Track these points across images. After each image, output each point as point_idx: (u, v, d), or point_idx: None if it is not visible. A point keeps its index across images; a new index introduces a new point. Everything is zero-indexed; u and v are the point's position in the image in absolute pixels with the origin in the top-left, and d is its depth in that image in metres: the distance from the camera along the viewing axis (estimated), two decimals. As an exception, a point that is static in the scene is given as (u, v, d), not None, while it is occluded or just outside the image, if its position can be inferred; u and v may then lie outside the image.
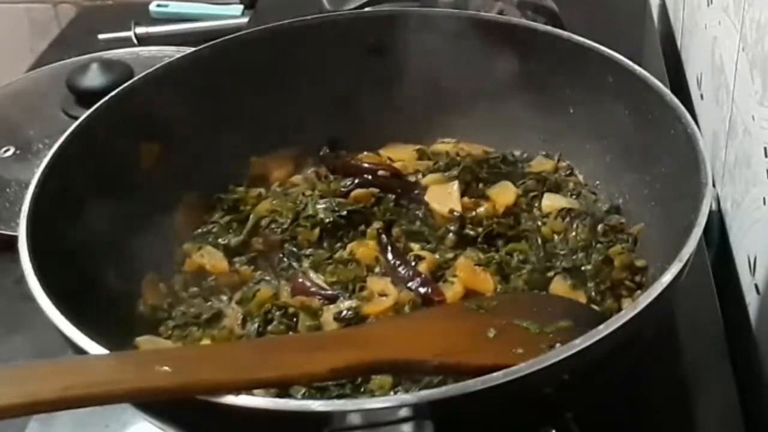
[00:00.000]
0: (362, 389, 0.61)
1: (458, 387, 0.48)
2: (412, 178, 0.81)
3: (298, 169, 0.84)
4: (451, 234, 0.75)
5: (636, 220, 0.75)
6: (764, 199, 0.74)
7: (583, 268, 0.71)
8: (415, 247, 0.74)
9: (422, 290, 0.69)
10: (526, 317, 0.61)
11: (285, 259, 0.74)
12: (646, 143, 0.72)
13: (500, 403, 0.49)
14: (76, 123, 0.70)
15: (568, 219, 0.76)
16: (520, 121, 0.83)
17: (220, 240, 0.76)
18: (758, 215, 0.76)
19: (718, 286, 0.80)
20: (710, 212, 0.58)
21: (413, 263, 0.72)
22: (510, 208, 0.77)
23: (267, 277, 0.73)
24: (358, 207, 0.77)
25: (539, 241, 0.73)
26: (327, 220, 0.75)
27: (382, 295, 0.69)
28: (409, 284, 0.69)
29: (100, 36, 1.28)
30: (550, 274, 0.70)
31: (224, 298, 0.72)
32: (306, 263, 0.73)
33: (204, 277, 0.73)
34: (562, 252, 0.73)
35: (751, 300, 0.77)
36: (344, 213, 0.76)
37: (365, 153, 0.85)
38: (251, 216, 0.77)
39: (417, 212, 0.77)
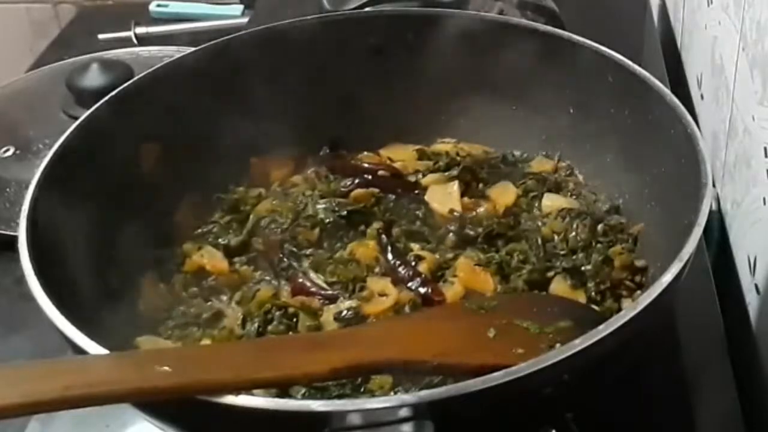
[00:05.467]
0: (362, 389, 0.61)
1: (458, 387, 0.48)
2: (412, 178, 0.81)
3: (298, 169, 0.84)
4: (451, 234, 0.75)
5: (636, 220, 0.75)
6: (764, 199, 0.74)
7: (583, 268, 0.71)
8: (415, 247, 0.74)
9: (422, 290, 0.69)
10: (526, 317, 0.61)
11: (285, 259, 0.74)
12: (646, 143, 0.72)
13: (500, 403, 0.49)
14: (76, 123, 0.70)
15: (568, 219, 0.76)
16: (520, 121, 0.84)
17: (220, 240, 0.76)
18: (758, 215, 0.76)
19: (718, 286, 0.80)
20: (710, 212, 0.58)
21: (413, 263, 0.72)
22: (510, 208, 0.77)
23: (267, 277, 0.73)
24: (358, 207, 0.77)
25: (539, 241, 0.73)
26: (327, 220, 0.75)
27: (382, 295, 0.69)
28: (409, 284, 0.69)
29: (100, 36, 1.28)
30: (550, 274, 0.70)
31: (224, 298, 0.72)
32: (306, 263, 0.73)
33: (204, 277, 0.73)
34: (562, 252, 0.73)
35: (751, 300, 0.77)
36: (344, 213, 0.76)
37: (365, 153, 0.85)
38: (251, 216, 0.77)
39: (417, 212, 0.77)
